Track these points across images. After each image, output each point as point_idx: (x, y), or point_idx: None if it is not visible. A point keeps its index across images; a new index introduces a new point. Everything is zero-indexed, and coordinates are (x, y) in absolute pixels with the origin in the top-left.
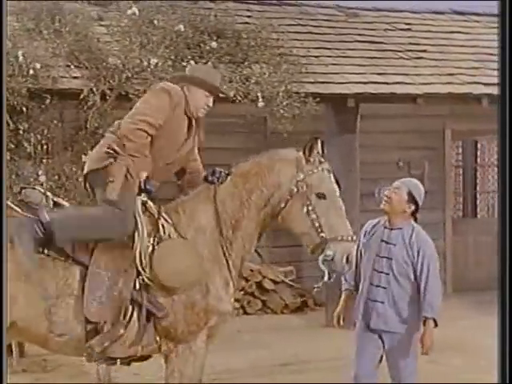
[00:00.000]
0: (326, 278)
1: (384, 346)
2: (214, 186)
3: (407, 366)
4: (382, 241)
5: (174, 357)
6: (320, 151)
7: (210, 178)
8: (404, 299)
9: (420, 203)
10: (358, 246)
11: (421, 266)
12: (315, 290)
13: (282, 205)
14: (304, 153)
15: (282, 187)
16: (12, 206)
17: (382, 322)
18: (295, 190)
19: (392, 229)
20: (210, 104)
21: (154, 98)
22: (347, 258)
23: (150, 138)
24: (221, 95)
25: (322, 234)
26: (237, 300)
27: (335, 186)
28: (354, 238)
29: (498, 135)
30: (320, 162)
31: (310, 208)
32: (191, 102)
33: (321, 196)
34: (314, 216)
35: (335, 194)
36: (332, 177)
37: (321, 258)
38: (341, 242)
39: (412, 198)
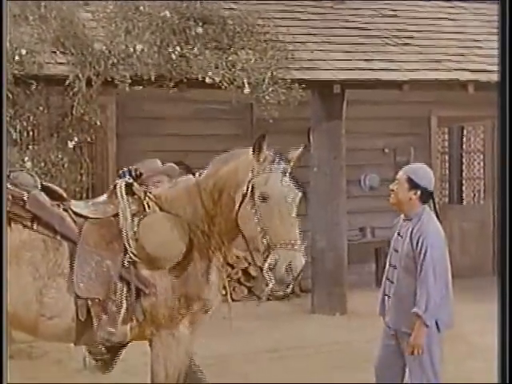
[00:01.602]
0: (268, 288)
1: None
2: (193, 179)
3: (424, 362)
4: (397, 234)
5: (158, 341)
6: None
7: (190, 168)
8: (405, 294)
9: (427, 186)
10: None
11: (418, 259)
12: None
13: (237, 207)
14: (253, 152)
15: (238, 188)
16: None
17: (389, 318)
18: (245, 191)
19: (405, 220)
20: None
21: None
22: (288, 267)
23: None
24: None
25: (264, 240)
26: (223, 287)
27: (286, 189)
28: (297, 246)
29: (498, 126)
30: (272, 162)
31: (254, 210)
32: None
33: (263, 198)
34: (256, 219)
35: (283, 198)
36: (286, 179)
37: (266, 265)
38: (282, 249)
39: (414, 184)
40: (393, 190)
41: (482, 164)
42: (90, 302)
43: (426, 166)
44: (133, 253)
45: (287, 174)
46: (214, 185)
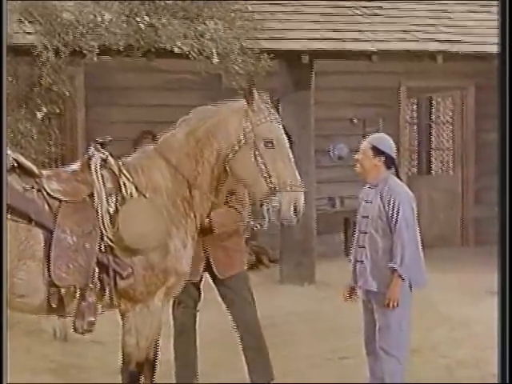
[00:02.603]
0: (265, 226)
1: (372, 306)
2: (162, 142)
3: (392, 323)
4: (365, 201)
5: (132, 315)
6: (268, 102)
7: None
8: (379, 255)
9: (390, 153)
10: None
11: (392, 218)
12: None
13: (230, 155)
14: (247, 101)
15: (231, 137)
16: None
17: (363, 281)
18: (243, 139)
19: (371, 187)
20: None
21: None
22: (295, 208)
23: None
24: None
25: (271, 183)
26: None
27: (284, 136)
28: (300, 187)
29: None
30: (269, 113)
31: (259, 157)
32: None
33: (269, 145)
34: (262, 165)
35: (284, 144)
36: (281, 127)
37: (265, 206)
38: (289, 190)
39: (378, 151)
40: (358, 160)
41: (450, 134)
42: (63, 290)
43: (386, 135)
44: (109, 238)
45: (279, 122)
46: (196, 142)
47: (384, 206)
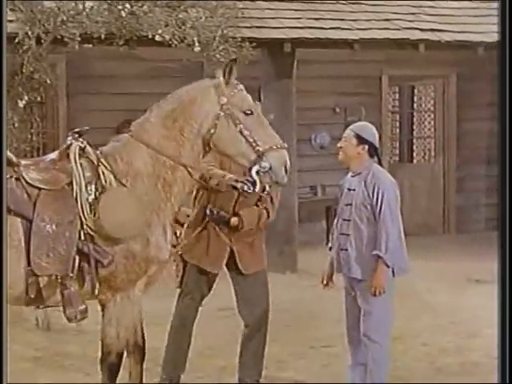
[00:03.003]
0: (257, 189)
1: (356, 294)
2: (137, 128)
3: (374, 310)
4: (347, 189)
5: (112, 305)
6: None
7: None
8: (364, 243)
9: (373, 142)
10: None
11: (376, 206)
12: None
13: (212, 131)
14: (224, 76)
15: (209, 115)
16: None
17: (347, 269)
18: (222, 113)
19: (353, 175)
20: None
21: None
22: (285, 167)
23: None
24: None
25: (258, 148)
26: (173, 246)
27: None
28: (283, 145)
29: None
30: (237, 83)
31: (242, 126)
32: None
33: (248, 113)
34: (247, 132)
35: (258, 110)
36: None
37: (254, 169)
38: (276, 151)
39: (362, 139)
40: (341, 147)
41: (432, 123)
42: (42, 279)
43: (369, 123)
44: (89, 226)
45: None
46: (174, 124)
47: (368, 194)
